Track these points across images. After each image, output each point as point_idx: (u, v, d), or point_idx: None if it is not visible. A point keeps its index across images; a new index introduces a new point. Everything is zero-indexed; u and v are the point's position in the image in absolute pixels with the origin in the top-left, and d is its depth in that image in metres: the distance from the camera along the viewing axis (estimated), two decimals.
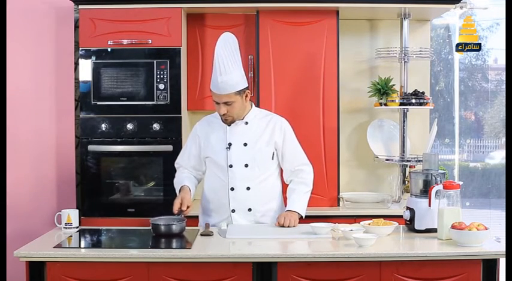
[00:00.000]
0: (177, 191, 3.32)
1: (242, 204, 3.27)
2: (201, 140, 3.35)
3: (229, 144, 3.27)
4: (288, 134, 3.34)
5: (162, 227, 3.02)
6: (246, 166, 3.26)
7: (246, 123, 3.29)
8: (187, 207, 3.18)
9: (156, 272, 2.73)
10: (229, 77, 3.12)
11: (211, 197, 3.36)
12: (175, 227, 3.03)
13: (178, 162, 3.45)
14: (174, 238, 3.00)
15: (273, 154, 3.32)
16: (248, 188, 3.25)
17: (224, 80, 3.11)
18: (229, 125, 3.27)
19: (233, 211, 3.28)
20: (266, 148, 3.29)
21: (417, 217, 3.07)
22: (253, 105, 3.36)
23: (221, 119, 3.26)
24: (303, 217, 3.30)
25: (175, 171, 3.48)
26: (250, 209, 3.28)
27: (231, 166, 3.26)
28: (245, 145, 3.27)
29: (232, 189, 3.26)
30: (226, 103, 3.17)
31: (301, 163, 3.36)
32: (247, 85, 3.23)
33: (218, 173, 3.30)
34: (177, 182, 3.36)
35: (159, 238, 3.01)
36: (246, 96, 3.24)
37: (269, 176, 3.32)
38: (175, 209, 3.15)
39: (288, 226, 3.17)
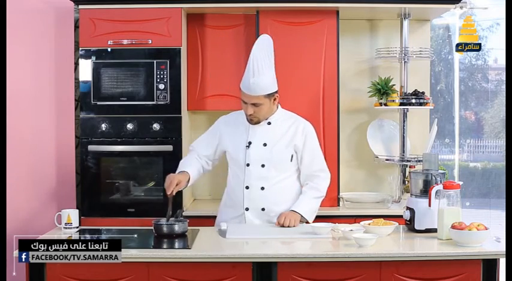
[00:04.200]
0: (177, 171, 3.29)
1: (256, 203, 3.29)
2: (222, 133, 3.37)
3: (249, 143, 3.28)
4: (309, 138, 3.35)
5: (165, 228, 3.02)
6: (263, 166, 3.27)
7: (269, 123, 3.30)
8: (177, 185, 3.14)
9: (156, 272, 2.73)
10: (261, 79, 3.14)
11: (229, 193, 3.40)
12: (177, 228, 3.02)
13: (194, 146, 3.45)
14: (176, 238, 3.00)
15: (292, 156, 3.32)
16: (262, 188, 3.27)
17: (256, 82, 3.13)
18: (253, 124, 3.29)
19: (247, 209, 3.29)
20: (285, 150, 3.29)
21: (417, 217, 3.07)
22: (280, 106, 3.37)
23: (246, 118, 3.27)
24: (309, 222, 3.30)
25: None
26: (263, 209, 3.28)
27: (248, 165, 3.27)
28: (264, 145, 3.28)
29: (247, 187, 3.28)
30: (254, 104, 3.19)
31: (319, 169, 3.37)
32: (277, 89, 3.25)
33: (236, 170, 3.33)
34: (183, 164, 3.33)
35: (160, 238, 3.01)
36: (275, 99, 3.26)
37: (286, 178, 3.32)
38: (166, 187, 3.11)
39: (288, 226, 3.17)
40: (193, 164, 3.35)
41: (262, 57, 3.17)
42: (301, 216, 3.27)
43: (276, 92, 3.26)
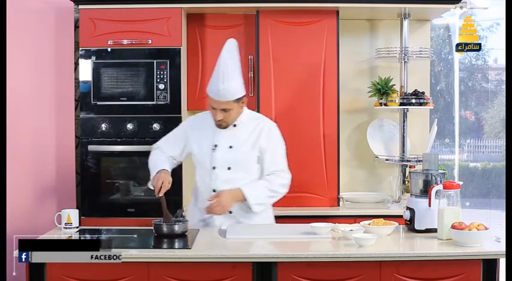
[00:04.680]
0: (153, 171, 3.22)
1: None
2: (189, 135, 3.33)
3: (215, 145, 3.26)
4: (273, 138, 3.31)
5: (165, 228, 3.02)
6: (229, 168, 3.24)
7: (235, 125, 3.27)
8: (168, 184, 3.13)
9: (156, 272, 2.73)
10: (230, 84, 3.11)
11: (197, 196, 3.35)
12: (177, 228, 3.02)
13: (160, 146, 3.38)
14: (176, 238, 2.99)
15: (258, 158, 3.29)
16: None
17: (225, 88, 3.10)
18: (223, 128, 3.26)
19: None
20: (251, 152, 3.26)
21: (417, 217, 3.07)
22: (245, 107, 3.33)
23: (215, 123, 3.24)
24: (252, 209, 3.21)
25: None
26: (231, 212, 3.25)
27: (214, 168, 3.25)
28: (230, 147, 3.25)
29: (214, 191, 3.24)
30: (223, 110, 3.16)
31: (279, 169, 3.30)
32: (245, 93, 3.23)
33: (202, 173, 3.30)
34: (157, 163, 3.26)
35: (160, 238, 3.01)
36: (243, 103, 3.24)
37: (252, 180, 3.27)
38: (157, 188, 3.09)
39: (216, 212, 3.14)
40: (166, 162, 3.28)
41: (230, 63, 3.13)
42: (244, 197, 3.18)
43: (244, 95, 3.23)
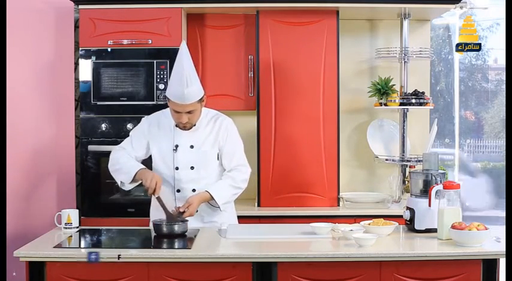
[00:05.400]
0: (130, 170, 3.19)
1: None
2: (147, 134, 3.31)
3: (176, 146, 3.26)
4: (230, 134, 3.32)
5: (164, 228, 3.01)
6: (192, 168, 3.25)
7: (194, 125, 3.27)
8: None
9: (156, 272, 2.73)
10: (194, 87, 3.12)
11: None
12: (177, 228, 3.02)
13: (124, 148, 3.33)
14: (176, 238, 2.99)
15: (218, 155, 3.30)
16: (194, 190, 3.22)
17: (190, 91, 3.10)
18: (188, 130, 3.25)
19: None
20: (211, 150, 3.27)
21: (417, 217, 3.07)
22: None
23: (179, 126, 3.24)
24: (220, 208, 3.22)
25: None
26: (196, 211, 3.24)
27: (177, 169, 3.25)
28: (191, 147, 3.25)
29: (178, 191, 3.25)
30: (189, 112, 3.16)
31: (238, 164, 3.31)
32: (204, 92, 3.23)
33: (164, 174, 3.28)
34: (131, 163, 3.23)
35: (160, 238, 3.01)
36: (203, 101, 3.25)
37: (215, 177, 3.28)
38: (152, 188, 3.08)
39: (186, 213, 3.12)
40: (135, 162, 3.26)
41: (191, 66, 3.14)
42: (213, 198, 3.19)
43: (204, 94, 3.23)
